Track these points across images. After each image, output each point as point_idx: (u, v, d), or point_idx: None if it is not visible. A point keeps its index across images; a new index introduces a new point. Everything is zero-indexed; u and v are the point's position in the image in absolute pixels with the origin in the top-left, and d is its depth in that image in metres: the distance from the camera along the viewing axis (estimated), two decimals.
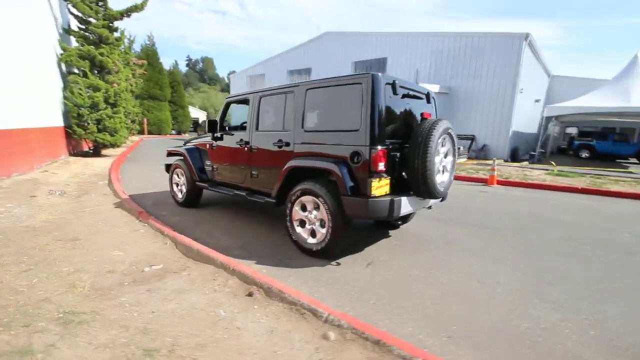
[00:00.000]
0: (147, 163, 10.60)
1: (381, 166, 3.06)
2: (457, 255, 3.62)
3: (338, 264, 3.33)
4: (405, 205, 3.23)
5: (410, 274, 3.14)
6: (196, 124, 40.17)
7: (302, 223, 3.60)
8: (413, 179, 3.25)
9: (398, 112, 3.36)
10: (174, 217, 4.79)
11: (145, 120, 24.13)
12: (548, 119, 15.51)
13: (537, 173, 10.41)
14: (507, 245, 3.98)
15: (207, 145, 5.05)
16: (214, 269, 3.00)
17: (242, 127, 5.22)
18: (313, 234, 3.51)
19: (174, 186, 5.65)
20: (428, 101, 3.89)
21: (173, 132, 31.89)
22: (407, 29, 19.89)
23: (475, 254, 3.68)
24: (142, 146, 16.39)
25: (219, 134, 4.76)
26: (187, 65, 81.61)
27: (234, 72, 31.79)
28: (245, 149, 4.27)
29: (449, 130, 3.45)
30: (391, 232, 4.35)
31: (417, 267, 3.30)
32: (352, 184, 3.11)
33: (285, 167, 3.61)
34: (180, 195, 5.52)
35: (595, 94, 15.23)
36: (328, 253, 3.37)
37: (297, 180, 3.64)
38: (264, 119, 4.13)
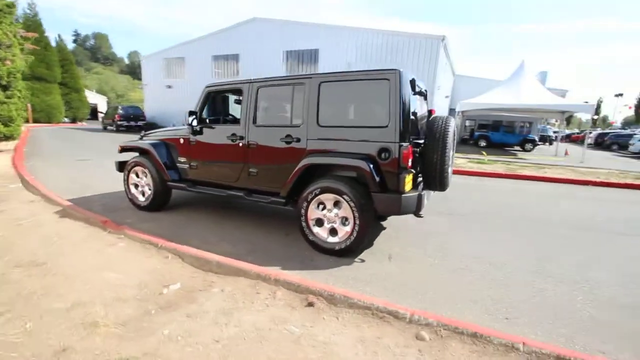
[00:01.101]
0: (58, 159, 8.83)
1: (410, 162, 3.12)
2: (455, 241, 3.93)
3: (362, 260, 3.32)
4: (427, 198, 3.38)
5: (431, 264, 3.31)
6: (95, 111, 34.74)
7: (319, 222, 3.47)
8: (430, 173, 3.40)
9: (413, 108, 3.46)
10: (145, 224, 4.10)
11: (29, 105, 19.80)
12: (452, 112, 17.80)
13: (461, 162, 11.90)
14: (486, 229, 4.49)
15: (181, 139, 4.42)
16: (249, 282, 2.69)
17: (225, 120, 4.73)
18: (332, 232, 3.42)
19: (132, 187, 4.82)
20: (425, 98, 4.09)
21: (66, 119, 26.94)
22: (336, 22, 20.32)
23: (468, 238, 4.06)
24: (35, 138, 13.50)
25: (198, 127, 4.21)
26: (75, 41, 69.14)
27: (136, 51, 28.13)
28: (240, 144, 3.88)
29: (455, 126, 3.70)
30: (383, 224, 4.49)
31: (431, 256, 3.50)
32: (382, 180, 3.11)
33: (301, 164, 3.40)
34: (142, 198, 4.75)
35: (494, 92, 18.00)
36: (352, 251, 3.33)
37: (307, 178, 3.48)
38: (263, 112, 3.79)
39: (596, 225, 4.78)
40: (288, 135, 3.56)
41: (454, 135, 3.70)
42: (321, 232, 3.44)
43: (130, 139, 5.39)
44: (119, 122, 20.54)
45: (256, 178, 3.85)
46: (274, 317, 2.24)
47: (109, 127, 21.70)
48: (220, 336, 2.02)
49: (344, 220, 3.34)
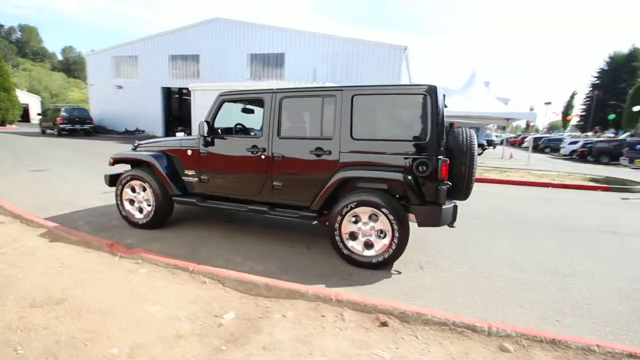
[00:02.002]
0: (6, 171, 7.74)
1: (446, 174, 3.23)
2: (469, 246, 4.13)
3: (398, 272, 3.35)
4: None
5: (463, 271, 3.44)
6: (26, 113, 31.01)
7: (352, 236, 3.44)
8: (458, 183, 3.55)
9: None
10: (152, 245, 3.74)
11: None
12: None
13: None
14: (487, 232, 4.79)
15: (188, 151, 4.11)
16: (308, 304, 2.57)
17: (238, 131, 4.49)
18: (367, 246, 3.40)
19: (126, 203, 4.37)
20: None
21: None
22: (302, 27, 20.30)
23: (477, 243, 4.28)
24: None
25: (210, 138, 3.94)
26: None
27: (71, 47, 25.61)
28: (263, 157, 3.71)
29: None
30: None
31: (458, 263, 3.63)
32: (421, 193, 3.18)
33: (336, 177, 3.35)
34: (139, 215, 4.32)
35: (449, 100, 19.31)
36: (388, 264, 3.35)
37: (335, 192, 3.45)
38: (288, 124, 3.67)
39: (577, 225, 5.33)
40: (318, 148, 3.49)
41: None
42: (356, 246, 3.41)
43: (74, 144, 4.90)
44: (61, 126, 18.47)
45: (280, 192, 3.71)
46: (354, 341, 2.18)
47: (48, 131, 19.43)
48: None
49: (380, 233, 3.35)
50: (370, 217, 3.34)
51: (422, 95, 3.19)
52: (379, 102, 3.36)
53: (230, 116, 4.44)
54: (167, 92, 22.68)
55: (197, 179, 4.10)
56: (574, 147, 22.83)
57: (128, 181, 4.29)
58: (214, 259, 3.46)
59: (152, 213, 4.19)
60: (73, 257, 3.23)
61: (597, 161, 18.64)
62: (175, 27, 20.72)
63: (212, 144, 3.98)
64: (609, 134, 32.31)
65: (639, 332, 2.42)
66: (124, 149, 5.25)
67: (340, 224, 3.39)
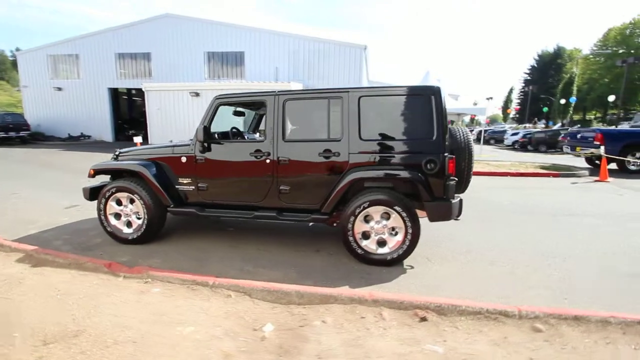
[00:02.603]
0: None
1: (453, 170, 3.40)
2: (463, 237, 4.37)
3: (411, 266, 3.47)
4: None
5: (468, 260, 3.63)
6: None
7: (365, 235, 3.49)
8: (459, 178, 3.74)
9: None
10: (151, 260, 3.50)
11: None
12: None
13: None
14: (473, 222, 5.10)
15: (182, 157, 3.87)
16: (344, 307, 2.57)
17: (235, 135, 4.30)
18: (380, 244, 3.48)
19: (111, 218, 4.02)
20: None
21: None
22: (263, 25, 19.88)
23: (468, 231, 4.53)
24: None
25: (208, 144, 3.75)
26: None
27: None
28: (267, 161, 3.61)
29: None
30: None
31: (461, 253, 3.83)
32: (431, 190, 3.31)
33: (348, 178, 3.37)
34: (127, 230, 4.00)
35: None
36: (402, 260, 3.45)
37: (345, 193, 3.48)
38: (293, 127, 3.61)
39: (549, 210, 5.89)
40: (327, 150, 3.48)
41: None
42: (370, 245, 3.47)
43: (13, 154, 4.50)
44: None
45: (288, 196, 3.64)
46: (403, 340, 2.23)
47: None
48: None
49: (391, 231, 3.44)
50: (382, 216, 3.42)
51: (427, 96, 3.33)
52: (386, 103, 3.44)
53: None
54: (115, 94, 21.00)
55: (193, 187, 3.89)
56: (516, 137, 25.06)
57: (113, 193, 3.94)
58: (226, 269, 3.32)
59: (144, 227, 3.89)
60: (69, 282, 2.90)
61: (536, 150, 20.67)
62: (121, 23, 19.22)
63: (209, 149, 3.79)
64: (541, 125, 35.88)
65: (632, 302, 2.77)
66: (72, 157, 4.84)
67: (353, 224, 3.42)
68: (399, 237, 3.40)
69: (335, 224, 3.73)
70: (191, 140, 3.92)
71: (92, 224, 4.80)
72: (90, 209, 5.46)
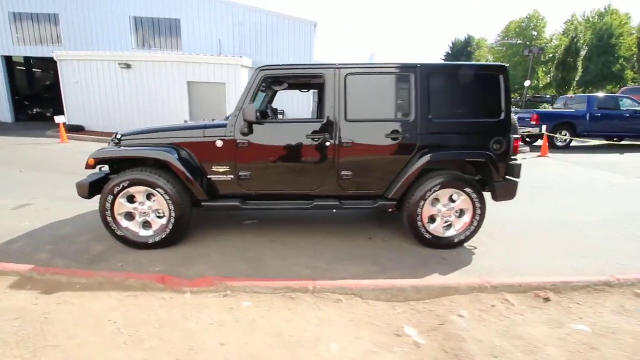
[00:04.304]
0: None
1: (517, 150, 3.44)
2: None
3: (475, 247, 3.48)
4: None
5: (512, 234, 3.79)
6: None
7: (432, 219, 3.38)
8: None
9: None
10: (197, 267, 2.90)
11: None
12: None
13: None
14: None
15: (218, 141, 3.20)
16: (467, 298, 2.43)
17: (273, 113, 3.69)
18: (447, 227, 3.41)
19: (121, 220, 3.20)
20: None
21: None
22: None
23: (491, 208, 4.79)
24: None
25: (247, 127, 3.15)
26: None
27: None
28: (328, 144, 3.20)
29: None
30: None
31: (500, 230, 3.98)
32: (499, 170, 3.32)
33: (422, 162, 3.16)
34: (146, 232, 3.24)
35: None
36: (468, 241, 3.42)
37: None
38: (356, 105, 3.22)
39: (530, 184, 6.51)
40: (395, 131, 3.22)
41: None
42: (438, 228, 3.37)
43: None
44: None
45: (350, 182, 3.31)
46: (547, 323, 2.20)
47: None
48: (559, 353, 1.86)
49: (457, 213, 3.39)
50: (450, 199, 3.34)
51: (497, 75, 3.27)
52: (455, 80, 3.28)
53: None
54: (9, 63, 16.89)
55: (232, 176, 3.27)
56: None
57: (125, 188, 3.11)
58: (295, 268, 2.93)
59: (172, 226, 3.18)
60: (121, 310, 2.20)
61: None
62: None
63: (251, 132, 3.21)
64: None
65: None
66: None
67: (422, 209, 3.28)
68: (466, 218, 3.36)
69: (390, 210, 3.53)
70: (226, 120, 3.26)
71: (72, 226, 3.80)
72: (52, 208, 4.35)
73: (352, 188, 3.33)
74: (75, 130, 12.67)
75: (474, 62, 4.69)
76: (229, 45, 16.95)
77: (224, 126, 3.23)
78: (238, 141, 3.20)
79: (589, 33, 31.76)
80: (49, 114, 17.20)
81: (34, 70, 19.80)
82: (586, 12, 38.86)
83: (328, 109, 3.20)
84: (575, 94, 25.02)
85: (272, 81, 3.39)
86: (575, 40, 28.20)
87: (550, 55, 39.02)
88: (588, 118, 11.36)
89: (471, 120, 3.29)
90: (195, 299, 2.34)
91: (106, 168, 3.49)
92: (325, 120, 3.20)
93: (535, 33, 45.37)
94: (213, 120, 3.94)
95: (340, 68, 3.18)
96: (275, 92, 4.32)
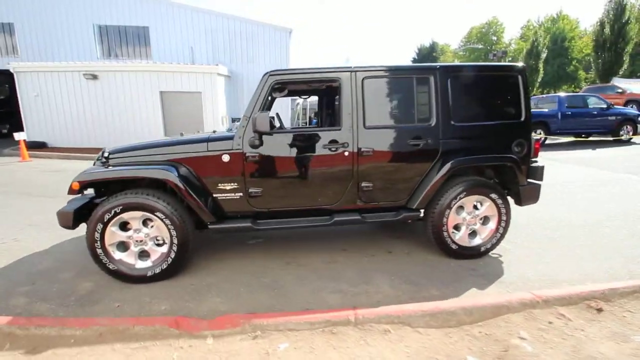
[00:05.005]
0: None
1: (538, 153, 3.34)
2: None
3: (500, 255, 3.33)
4: None
5: (535, 237, 3.66)
6: None
7: (456, 227, 3.19)
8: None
9: None
10: (208, 300, 2.52)
11: None
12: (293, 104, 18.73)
13: None
14: None
15: (224, 155, 2.85)
16: (521, 316, 2.23)
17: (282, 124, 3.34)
18: (471, 235, 3.24)
19: (112, 251, 2.76)
20: None
21: None
22: None
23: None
24: None
25: (257, 139, 2.83)
26: None
27: None
28: (346, 153, 2.93)
29: None
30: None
31: (522, 233, 3.90)
32: (522, 173, 3.19)
33: (446, 168, 2.96)
34: (144, 264, 2.82)
35: None
36: (493, 249, 3.26)
37: None
38: (376, 110, 2.98)
39: None
40: (417, 137, 3.01)
41: None
42: (464, 237, 3.19)
43: None
44: None
45: (370, 193, 3.05)
46: (613, 335, 2.04)
47: None
48: None
49: (481, 220, 3.22)
50: (475, 206, 3.17)
51: (517, 75, 3.16)
52: (473, 82, 3.13)
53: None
54: None
55: (241, 193, 2.92)
56: None
57: (117, 214, 2.67)
58: (320, 293, 2.62)
59: (174, 254, 2.77)
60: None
61: None
62: None
63: (262, 143, 2.88)
64: None
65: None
66: None
67: (447, 218, 3.08)
68: (492, 225, 3.20)
69: (410, 220, 3.31)
70: (230, 132, 2.93)
71: (50, 259, 3.30)
72: (21, 238, 3.81)
73: (373, 199, 3.08)
74: (37, 147, 11.62)
75: (493, 63, 4.64)
76: (201, 54, 16.38)
77: (230, 138, 2.88)
78: (247, 154, 2.86)
79: (548, 37, 33.82)
80: (4, 131, 15.81)
81: None
82: (540, 17, 41.53)
83: (345, 116, 2.94)
84: (534, 94, 26.50)
85: (280, 86, 3.09)
86: (536, 43, 29.85)
87: (510, 59, 41.20)
88: (560, 116, 11.86)
89: (493, 123, 3.15)
90: (220, 345, 1.98)
91: (90, 191, 3.02)
92: (342, 128, 2.94)
93: (494, 38, 47.76)
94: (198, 132, 3.59)
95: (357, 71, 2.94)
96: (274, 99, 4.01)
